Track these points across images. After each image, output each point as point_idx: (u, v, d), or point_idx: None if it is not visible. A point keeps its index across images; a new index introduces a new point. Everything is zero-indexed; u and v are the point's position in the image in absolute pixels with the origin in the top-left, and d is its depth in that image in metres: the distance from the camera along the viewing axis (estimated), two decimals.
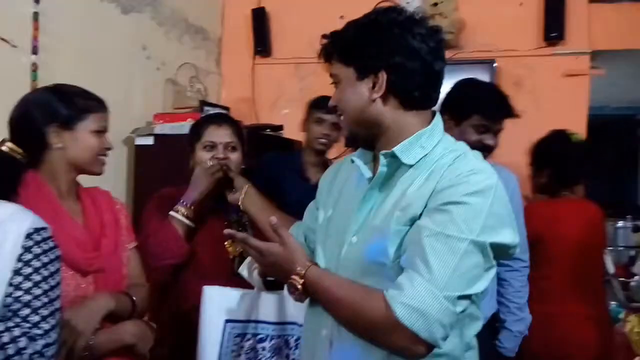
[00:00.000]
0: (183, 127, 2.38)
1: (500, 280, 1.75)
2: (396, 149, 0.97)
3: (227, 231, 1.08)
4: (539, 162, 2.08)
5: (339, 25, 3.40)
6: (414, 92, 0.98)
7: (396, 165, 0.99)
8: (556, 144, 2.06)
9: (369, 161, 1.06)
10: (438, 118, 1.03)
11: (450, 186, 0.91)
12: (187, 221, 1.51)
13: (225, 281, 1.39)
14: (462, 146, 1.02)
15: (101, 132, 1.28)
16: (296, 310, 1.31)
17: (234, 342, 1.33)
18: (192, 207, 1.52)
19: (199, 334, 1.34)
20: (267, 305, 1.35)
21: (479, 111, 1.62)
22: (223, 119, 1.67)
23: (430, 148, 0.99)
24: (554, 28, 2.60)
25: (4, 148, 1.10)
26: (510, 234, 0.92)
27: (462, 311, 0.89)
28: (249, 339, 1.34)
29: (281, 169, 2.19)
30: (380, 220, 0.96)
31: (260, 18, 3.16)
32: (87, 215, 1.27)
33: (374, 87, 0.98)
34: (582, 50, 2.64)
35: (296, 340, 1.33)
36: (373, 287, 0.92)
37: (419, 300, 0.85)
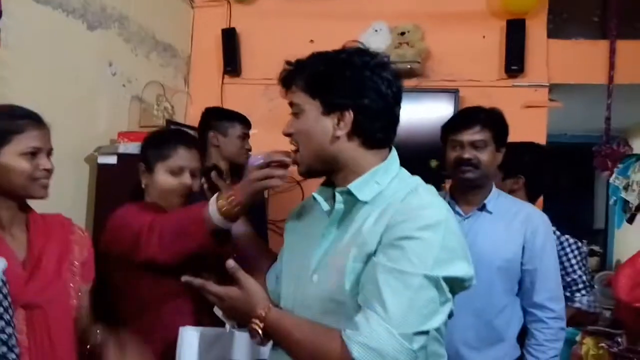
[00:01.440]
0: None
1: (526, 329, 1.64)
2: (351, 186, 0.98)
3: (184, 278, 1.02)
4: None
5: (309, 49, 3.46)
6: (377, 133, 1.01)
7: (352, 201, 1.00)
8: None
9: (330, 197, 1.05)
10: (394, 154, 1.05)
11: (402, 221, 0.91)
12: (221, 219, 1.15)
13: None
14: (415, 181, 1.03)
15: (34, 153, 1.15)
16: (268, 347, 1.28)
17: None
18: (237, 208, 1.13)
19: None
20: (241, 344, 1.34)
21: (448, 130, 1.68)
22: (192, 141, 1.58)
23: (386, 184, 1.00)
24: (514, 61, 2.71)
25: None
26: (464, 267, 0.93)
27: (421, 348, 0.88)
28: None
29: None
30: (337, 258, 0.97)
31: (230, 38, 3.16)
32: (31, 246, 1.17)
33: (338, 123, 0.99)
34: (541, 83, 2.75)
35: None
36: (332, 327, 0.92)
37: (375, 339, 0.84)
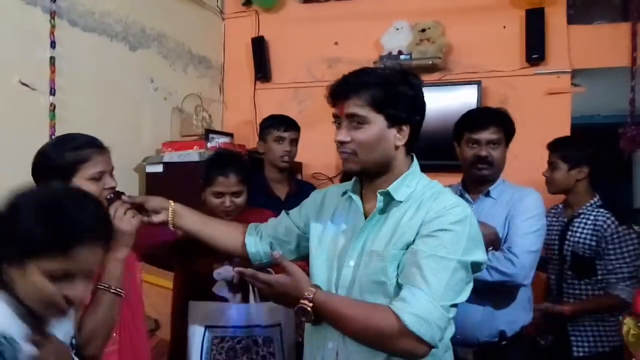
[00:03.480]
0: (190, 154, 2.56)
1: None
2: (390, 189, 1.18)
3: (238, 269, 1.21)
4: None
5: (334, 51, 3.63)
6: (416, 143, 1.22)
7: (388, 200, 1.19)
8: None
9: (357, 194, 1.24)
10: (415, 161, 1.24)
11: (437, 217, 1.12)
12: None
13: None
14: (437, 184, 1.24)
15: (99, 178, 1.29)
16: (258, 315, 1.66)
17: (212, 343, 1.64)
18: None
19: (188, 339, 1.65)
20: (239, 313, 1.66)
21: (465, 128, 1.80)
22: (230, 167, 1.75)
23: (414, 186, 1.20)
24: (535, 50, 2.75)
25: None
26: (483, 254, 1.15)
27: (452, 317, 1.09)
28: (228, 341, 1.65)
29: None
30: (379, 247, 1.15)
31: (259, 46, 3.34)
32: None
33: (398, 134, 1.17)
34: (563, 69, 2.79)
35: (263, 339, 1.66)
36: (375, 303, 1.10)
37: (422, 309, 1.04)
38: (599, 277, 2.05)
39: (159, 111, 2.80)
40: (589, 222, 2.10)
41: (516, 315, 1.72)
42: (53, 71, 2.12)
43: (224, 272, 1.64)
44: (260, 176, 2.35)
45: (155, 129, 2.75)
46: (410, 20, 2.98)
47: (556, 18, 2.80)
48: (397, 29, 2.97)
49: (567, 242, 2.14)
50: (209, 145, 2.59)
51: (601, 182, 3.83)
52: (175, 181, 2.41)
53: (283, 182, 2.33)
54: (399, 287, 1.09)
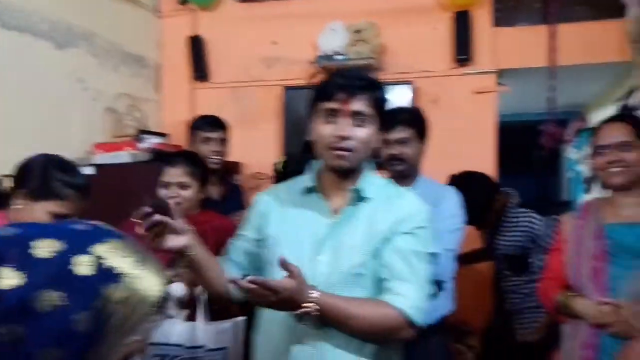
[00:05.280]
0: (122, 156, 2.50)
1: None
2: (360, 187, 1.25)
3: (250, 278, 1.07)
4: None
5: (272, 50, 3.63)
6: None
7: (357, 197, 1.25)
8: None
9: (320, 191, 1.28)
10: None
11: (412, 215, 1.22)
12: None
13: None
14: (390, 181, 1.35)
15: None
16: (205, 336, 1.59)
17: None
18: None
19: None
20: (183, 332, 1.59)
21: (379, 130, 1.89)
22: (178, 159, 1.80)
23: (376, 184, 1.28)
24: (462, 51, 2.87)
25: None
26: (434, 245, 1.27)
27: None
28: None
29: None
30: (356, 241, 1.20)
31: (196, 45, 3.30)
32: None
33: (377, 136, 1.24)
34: (489, 69, 2.92)
35: None
36: (373, 299, 1.17)
37: (418, 301, 1.16)
38: (536, 271, 2.18)
39: (88, 112, 2.72)
40: (515, 223, 2.24)
41: (437, 305, 1.80)
42: None
43: (174, 288, 1.58)
44: None
45: (85, 130, 2.67)
46: (345, 21, 3.03)
47: (482, 20, 2.93)
48: (333, 30, 3.02)
49: (497, 245, 2.30)
50: (141, 146, 2.54)
51: (531, 177, 4.03)
52: (107, 183, 2.36)
53: (216, 183, 2.31)
54: (375, 279, 1.18)
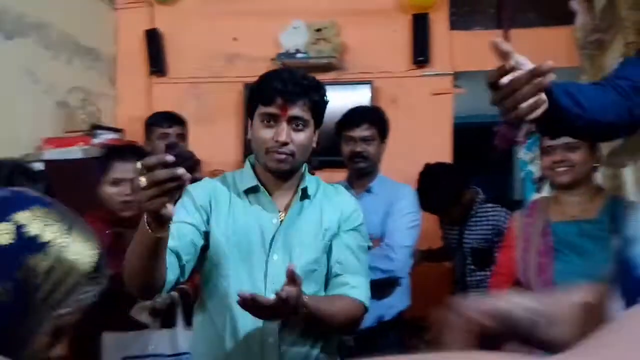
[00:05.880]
0: (73, 151, 2.42)
1: None
2: (305, 186, 1.28)
3: (285, 292, 1.03)
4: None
5: (232, 47, 3.59)
6: None
7: (302, 196, 1.28)
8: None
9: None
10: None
11: (352, 212, 1.31)
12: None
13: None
14: (319, 179, 1.37)
15: None
16: (186, 342, 1.52)
17: None
18: None
19: None
20: (162, 340, 1.54)
21: (343, 127, 1.93)
22: (129, 152, 1.68)
23: (313, 182, 1.32)
24: (420, 53, 2.93)
25: None
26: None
27: None
28: None
29: None
30: (308, 239, 1.25)
31: (154, 38, 3.23)
32: None
33: (314, 138, 1.28)
34: (445, 71, 3.00)
35: None
36: (337, 295, 1.24)
37: (367, 290, 1.27)
38: None
39: (39, 106, 2.62)
40: (484, 218, 2.30)
41: (394, 301, 1.84)
42: None
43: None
44: None
45: (35, 124, 2.57)
46: (307, 20, 3.04)
47: (439, 23, 3.00)
48: (295, 28, 3.02)
49: (465, 240, 2.34)
50: (94, 141, 2.46)
51: (485, 177, 4.14)
52: (57, 180, 2.27)
53: None
54: (326, 273, 1.26)
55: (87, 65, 3.03)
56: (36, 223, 0.58)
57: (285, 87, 1.19)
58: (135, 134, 3.05)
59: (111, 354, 1.49)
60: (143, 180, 0.87)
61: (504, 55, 0.88)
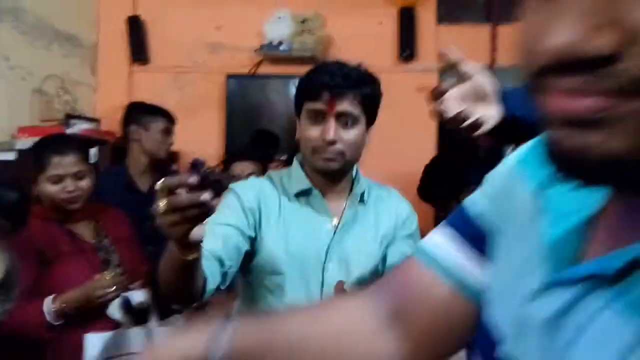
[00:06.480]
0: None
1: None
2: (359, 189, 1.22)
3: None
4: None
5: (216, 35, 3.53)
6: None
7: (357, 200, 1.22)
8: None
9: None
10: None
11: (407, 217, 1.23)
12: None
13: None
14: (370, 180, 1.30)
15: None
16: (162, 338, 1.50)
17: None
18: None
19: None
20: (139, 338, 1.53)
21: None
22: (66, 145, 1.60)
23: (366, 184, 1.25)
24: (406, 47, 2.88)
25: None
26: None
27: None
28: None
29: (105, 184, 2.04)
30: (366, 246, 1.17)
31: (136, 26, 3.15)
32: None
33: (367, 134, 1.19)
34: (431, 67, 2.95)
35: None
36: None
37: None
38: None
39: (15, 93, 2.55)
40: None
41: None
42: None
43: (135, 295, 1.54)
44: (119, 167, 2.23)
45: (10, 112, 2.51)
46: (292, 9, 2.98)
47: (426, 17, 2.95)
48: (279, 18, 2.96)
49: None
50: (68, 131, 2.41)
51: (469, 174, 4.10)
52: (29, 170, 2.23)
53: (147, 173, 2.24)
54: None
55: (67, 52, 2.96)
56: None
57: (332, 80, 1.10)
58: (115, 123, 3.00)
59: (94, 355, 1.48)
60: (162, 205, 0.75)
61: (452, 65, 0.85)
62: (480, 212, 0.54)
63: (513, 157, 0.53)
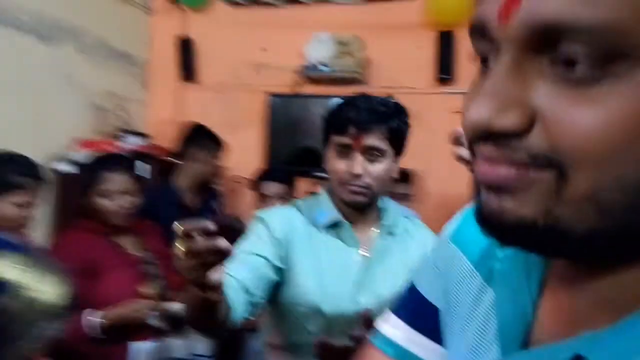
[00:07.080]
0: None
1: None
2: (387, 221, 1.21)
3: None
4: None
5: (261, 56, 3.66)
6: None
7: (386, 232, 1.22)
8: None
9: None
10: None
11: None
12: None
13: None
14: (399, 207, 1.29)
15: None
16: (203, 345, 1.68)
17: None
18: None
19: None
20: (179, 345, 1.66)
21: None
22: (117, 163, 1.72)
23: (393, 215, 1.24)
24: (444, 70, 2.93)
25: None
26: None
27: None
28: None
29: (156, 199, 2.17)
30: (395, 281, 1.12)
31: (186, 45, 3.33)
32: None
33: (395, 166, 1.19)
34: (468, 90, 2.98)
35: None
36: None
37: None
38: None
39: (73, 108, 2.74)
40: None
41: None
42: None
43: (175, 307, 1.62)
44: (168, 184, 2.34)
45: (67, 125, 2.69)
46: (332, 32, 3.08)
47: (465, 41, 2.98)
48: (319, 40, 3.06)
49: None
50: (121, 145, 2.57)
51: None
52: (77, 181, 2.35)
53: (195, 190, 2.35)
54: None
55: (121, 70, 3.15)
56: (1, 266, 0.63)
57: (358, 115, 1.10)
58: (164, 138, 3.16)
59: None
60: (180, 249, 0.77)
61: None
62: (428, 291, 0.56)
63: (446, 234, 0.55)
